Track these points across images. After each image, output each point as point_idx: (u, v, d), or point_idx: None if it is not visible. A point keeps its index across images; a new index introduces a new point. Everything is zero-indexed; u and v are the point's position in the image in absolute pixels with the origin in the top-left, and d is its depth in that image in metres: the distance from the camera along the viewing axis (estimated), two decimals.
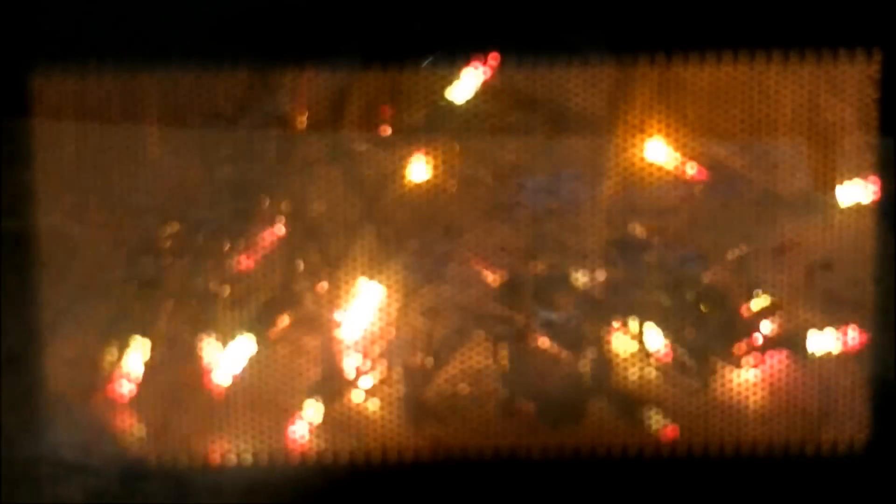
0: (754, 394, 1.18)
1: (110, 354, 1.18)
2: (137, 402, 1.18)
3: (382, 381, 1.19)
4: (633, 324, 1.19)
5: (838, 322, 1.18)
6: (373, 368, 1.19)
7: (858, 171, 1.16)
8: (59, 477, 1.15)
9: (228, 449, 1.16)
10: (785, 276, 1.18)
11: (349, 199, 1.17)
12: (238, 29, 1.11)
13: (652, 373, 1.19)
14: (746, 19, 1.11)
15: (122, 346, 1.18)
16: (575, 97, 1.15)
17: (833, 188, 1.17)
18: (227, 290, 1.19)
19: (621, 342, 1.20)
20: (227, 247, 1.18)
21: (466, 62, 1.13)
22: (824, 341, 1.18)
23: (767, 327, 1.19)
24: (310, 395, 1.18)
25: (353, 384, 1.19)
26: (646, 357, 1.19)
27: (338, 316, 1.19)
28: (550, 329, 1.19)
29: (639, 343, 1.19)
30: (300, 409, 1.18)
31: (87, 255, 1.17)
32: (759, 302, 1.19)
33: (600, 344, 1.19)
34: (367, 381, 1.19)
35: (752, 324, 1.19)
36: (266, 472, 1.16)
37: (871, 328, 1.16)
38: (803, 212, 1.17)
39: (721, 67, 1.13)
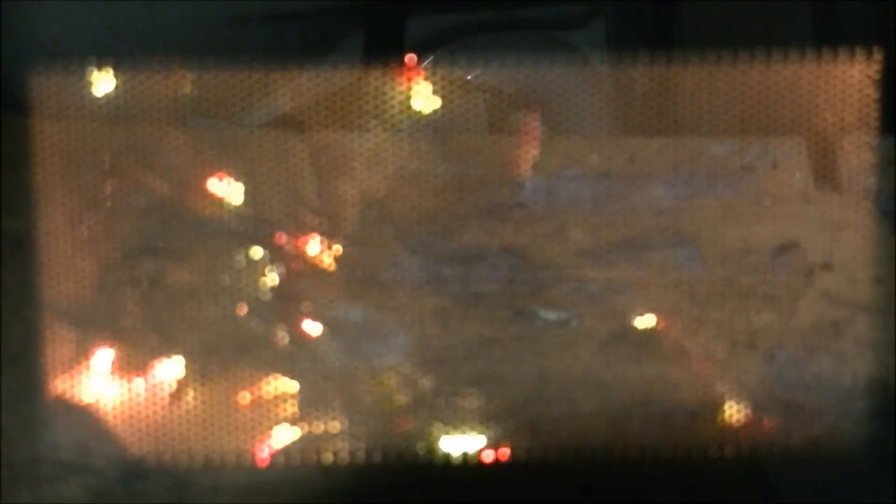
0: None
1: None
2: None
3: None
4: None
5: None
6: None
7: (857, 172, 1.17)
8: (59, 477, 1.15)
9: None
10: None
11: None
12: (239, 28, 1.12)
13: None
14: (746, 19, 1.12)
15: None
16: None
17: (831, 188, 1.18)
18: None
19: None
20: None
21: None
22: None
23: None
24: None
25: None
26: None
27: None
28: None
29: None
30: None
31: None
32: None
33: None
34: None
35: None
36: (266, 473, 1.17)
37: (871, 328, 1.17)
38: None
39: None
